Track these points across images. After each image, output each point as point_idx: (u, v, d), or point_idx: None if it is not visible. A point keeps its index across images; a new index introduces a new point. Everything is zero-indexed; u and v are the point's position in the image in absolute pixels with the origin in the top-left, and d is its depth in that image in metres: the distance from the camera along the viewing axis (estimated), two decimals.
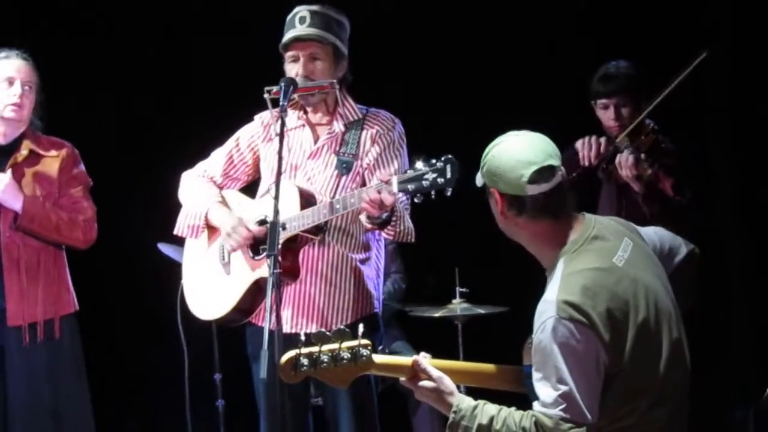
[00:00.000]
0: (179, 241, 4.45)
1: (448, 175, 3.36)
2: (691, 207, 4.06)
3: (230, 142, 4.03)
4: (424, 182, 3.38)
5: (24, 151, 4.34)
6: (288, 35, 3.82)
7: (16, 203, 4.24)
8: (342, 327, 2.93)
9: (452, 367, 3.01)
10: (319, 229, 3.73)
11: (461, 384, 3.05)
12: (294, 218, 3.68)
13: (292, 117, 3.90)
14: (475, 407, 2.84)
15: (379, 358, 2.97)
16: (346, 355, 2.90)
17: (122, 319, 5.55)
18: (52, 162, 4.39)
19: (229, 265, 3.91)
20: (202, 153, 4.11)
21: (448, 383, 2.91)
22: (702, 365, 3.02)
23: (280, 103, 3.62)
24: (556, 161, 2.88)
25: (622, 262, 2.85)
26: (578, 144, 4.25)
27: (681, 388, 2.88)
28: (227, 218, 3.86)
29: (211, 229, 3.97)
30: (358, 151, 3.85)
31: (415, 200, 3.43)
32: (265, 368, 3.12)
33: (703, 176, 4.25)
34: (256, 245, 3.78)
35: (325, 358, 2.89)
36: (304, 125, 3.92)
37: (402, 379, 2.99)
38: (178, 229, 4.01)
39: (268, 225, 3.39)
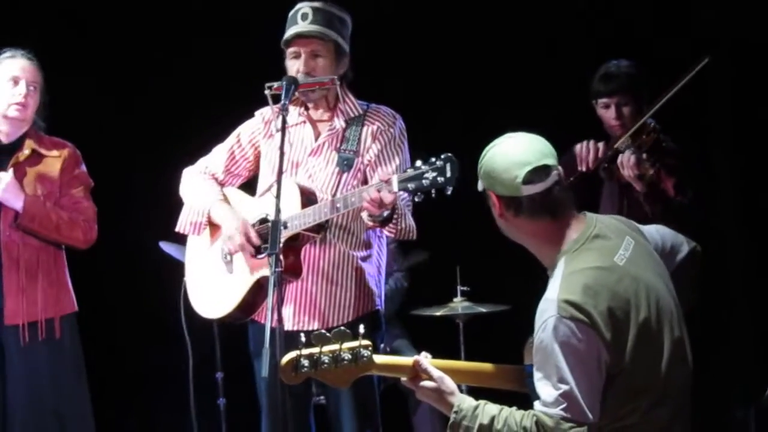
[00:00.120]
0: (181, 240, 4.46)
1: (448, 174, 3.36)
2: (692, 206, 4.06)
3: (231, 138, 4.03)
4: (424, 181, 3.38)
5: (26, 151, 4.35)
6: (290, 31, 3.82)
7: (17, 202, 4.24)
8: (342, 328, 2.93)
9: (453, 367, 3.01)
10: (320, 227, 3.74)
11: (462, 384, 3.05)
12: (295, 217, 3.68)
13: (293, 113, 3.90)
14: (477, 407, 2.84)
15: (379, 359, 2.97)
16: (346, 355, 2.90)
17: (124, 318, 5.55)
18: (53, 162, 4.40)
19: (231, 264, 3.91)
20: (203, 151, 4.11)
21: (449, 383, 2.91)
22: (703, 364, 3.02)
23: (282, 102, 3.62)
24: (551, 160, 2.89)
25: (623, 261, 2.85)
26: (576, 148, 4.25)
27: (683, 387, 2.87)
28: (230, 218, 3.86)
29: (213, 227, 3.97)
30: (359, 148, 3.85)
31: (416, 199, 3.44)
32: (267, 366, 3.13)
33: (704, 176, 4.25)
34: (259, 246, 3.78)
35: (325, 359, 2.89)
36: (305, 122, 3.92)
37: (403, 379, 2.99)
38: (180, 227, 4.01)
39: (269, 224, 3.39)
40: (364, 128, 3.87)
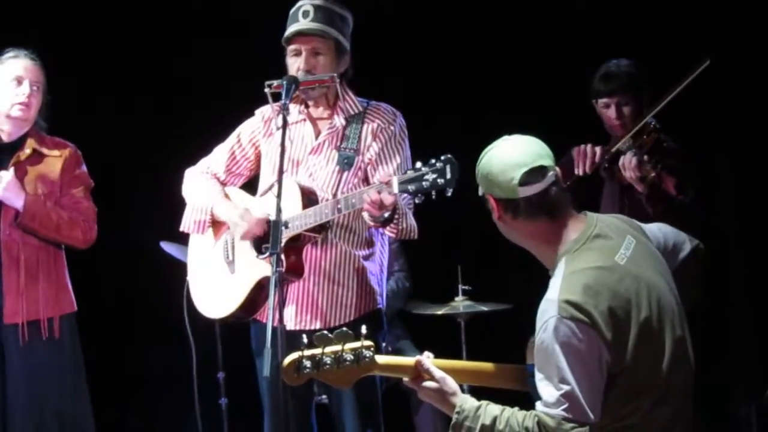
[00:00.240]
0: (181, 239, 4.46)
1: (448, 176, 3.37)
2: (693, 206, 4.06)
3: (231, 138, 4.04)
4: (424, 183, 3.39)
5: (27, 150, 4.35)
6: (291, 29, 3.83)
7: (17, 201, 4.25)
8: (345, 329, 2.93)
9: (455, 367, 3.01)
10: (322, 228, 3.74)
11: (464, 383, 3.05)
12: (297, 217, 3.68)
13: (293, 111, 3.90)
14: (478, 407, 2.84)
15: (381, 359, 2.97)
16: (348, 356, 2.90)
17: (125, 318, 5.55)
18: (54, 162, 4.40)
19: (233, 264, 3.92)
20: (203, 151, 4.11)
21: (451, 383, 2.91)
22: (705, 363, 3.01)
23: (283, 102, 3.63)
24: (547, 161, 2.89)
25: (624, 260, 2.84)
26: (574, 151, 4.25)
27: (684, 386, 2.87)
28: (233, 211, 3.87)
29: (216, 227, 3.98)
30: (359, 146, 3.85)
31: (416, 200, 3.45)
32: (269, 366, 3.13)
33: (704, 175, 4.25)
34: (260, 244, 3.78)
35: (328, 360, 2.89)
36: (305, 119, 3.92)
37: (405, 379, 2.99)
38: (184, 226, 4.01)
39: (271, 223, 3.40)
40: (365, 126, 3.87)
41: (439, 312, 5.03)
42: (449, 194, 3.38)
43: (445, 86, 5.41)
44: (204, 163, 4.07)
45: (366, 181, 3.85)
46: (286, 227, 3.55)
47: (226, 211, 3.89)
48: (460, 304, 5.04)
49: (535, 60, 5.26)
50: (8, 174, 4.24)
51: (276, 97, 3.76)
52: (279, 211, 3.36)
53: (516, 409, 2.83)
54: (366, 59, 3.97)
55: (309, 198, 3.75)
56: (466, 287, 5.06)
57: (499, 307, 5.01)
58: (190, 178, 4.06)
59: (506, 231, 2.96)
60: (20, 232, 4.28)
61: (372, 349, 2.93)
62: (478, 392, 3.02)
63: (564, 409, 2.73)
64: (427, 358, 2.97)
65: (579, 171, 4.21)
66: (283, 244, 3.49)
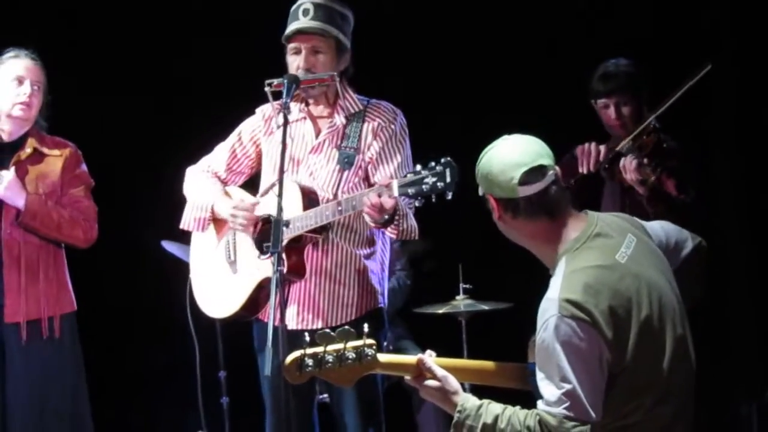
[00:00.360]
0: (183, 239, 4.47)
1: (448, 179, 3.38)
2: (695, 206, 4.06)
3: (232, 137, 4.04)
4: (424, 186, 3.40)
5: (28, 149, 4.35)
6: (291, 27, 3.83)
7: (19, 200, 4.25)
8: (347, 327, 2.93)
9: (457, 366, 3.01)
10: (323, 228, 3.74)
11: (466, 382, 3.05)
12: (298, 218, 3.69)
13: (294, 109, 3.90)
14: (480, 406, 2.84)
15: (383, 358, 2.97)
16: (351, 354, 2.91)
17: (126, 317, 5.55)
18: (55, 161, 4.40)
19: (235, 264, 3.92)
20: (204, 150, 4.12)
21: (453, 382, 2.91)
22: (706, 361, 3.01)
23: (284, 101, 3.63)
24: (546, 160, 2.89)
25: (624, 259, 2.84)
26: (578, 150, 4.24)
27: (685, 385, 2.87)
28: (231, 204, 3.87)
29: (218, 226, 3.98)
30: (359, 145, 3.85)
31: (416, 204, 3.46)
32: (270, 365, 3.13)
33: (705, 174, 4.25)
34: (261, 244, 3.79)
35: (330, 358, 2.90)
36: (305, 118, 3.92)
37: (407, 377, 2.99)
38: (184, 223, 4.02)
39: (272, 222, 3.40)
40: (365, 125, 3.87)
41: (440, 311, 5.03)
42: (449, 197, 3.39)
43: (446, 85, 5.41)
44: (205, 161, 4.07)
45: (366, 179, 3.86)
46: (287, 226, 3.56)
47: (227, 208, 3.89)
48: (461, 302, 5.04)
49: (535, 60, 5.26)
50: (9, 173, 4.24)
51: (276, 95, 3.76)
52: (280, 209, 3.36)
53: (518, 408, 2.83)
54: (366, 58, 3.97)
55: (309, 198, 3.75)
56: (467, 286, 5.06)
57: (499, 305, 5.02)
58: (191, 177, 4.07)
59: (506, 231, 2.96)
60: (21, 231, 4.28)
61: (374, 347, 2.93)
62: (480, 391, 3.03)
63: (565, 408, 2.73)
64: (429, 357, 2.98)
65: (583, 169, 4.21)
66: (284, 244, 3.49)
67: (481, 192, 2.96)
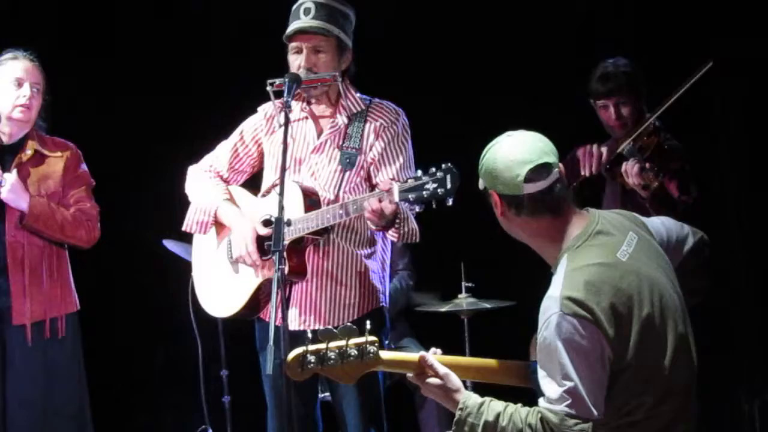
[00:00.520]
0: (184, 238, 4.47)
1: (448, 186, 3.38)
2: (696, 206, 4.06)
3: (234, 136, 4.04)
4: (424, 192, 3.40)
5: (29, 151, 4.36)
6: (292, 26, 3.83)
7: (22, 203, 4.25)
8: (349, 324, 2.93)
9: (459, 363, 3.01)
10: (324, 230, 3.75)
11: (468, 379, 3.05)
12: (299, 220, 3.69)
13: (296, 108, 3.91)
14: (482, 404, 2.85)
15: (386, 355, 2.97)
16: (353, 351, 2.91)
17: (128, 316, 5.56)
18: (56, 162, 4.41)
19: (237, 264, 3.92)
20: (206, 149, 4.12)
21: (455, 380, 2.91)
22: (708, 359, 3.01)
23: (285, 100, 3.63)
24: (551, 158, 2.88)
25: (626, 257, 2.84)
26: (579, 152, 4.25)
27: (687, 382, 2.87)
28: (238, 219, 3.87)
29: (219, 226, 3.99)
30: (361, 145, 3.85)
31: (417, 209, 3.46)
32: (271, 364, 3.13)
33: (706, 172, 4.25)
34: (263, 245, 3.79)
35: (332, 355, 2.90)
36: (307, 117, 3.93)
37: (409, 375, 2.99)
38: (187, 226, 4.02)
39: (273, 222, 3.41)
40: (367, 125, 3.87)
41: (443, 309, 5.03)
42: (449, 204, 3.40)
43: (446, 85, 5.41)
44: (207, 160, 4.07)
45: (368, 180, 3.86)
46: (289, 225, 3.56)
47: (232, 216, 3.89)
48: (464, 301, 5.03)
49: (536, 59, 5.25)
50: (12, 176, 4.25)
51: (278, 95, 3.76)
52: (281, 208, 3.37)
53: (519, 405, 2.83)
54: (367, 57, 3.97)
55: (310, 199, 3.76)
56: (469, 284, 5.06)
57: (501, 304, 5.01)
58: (193, 176, 4.07)
59: (509, 227, 2.96)
60: (25, 234, 4.29)
61: (376, 344, 2.93)
62: (482, 389, 3.03)
63: (567, 406, 2.73)
64: (433, 354, 2.98)
65: (585, 172, 4.21)
66: (286, 243, 3.49)
67: (482, 186, 2.95)
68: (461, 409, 2.86)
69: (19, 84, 4.30)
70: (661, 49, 4.84)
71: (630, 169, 4.08)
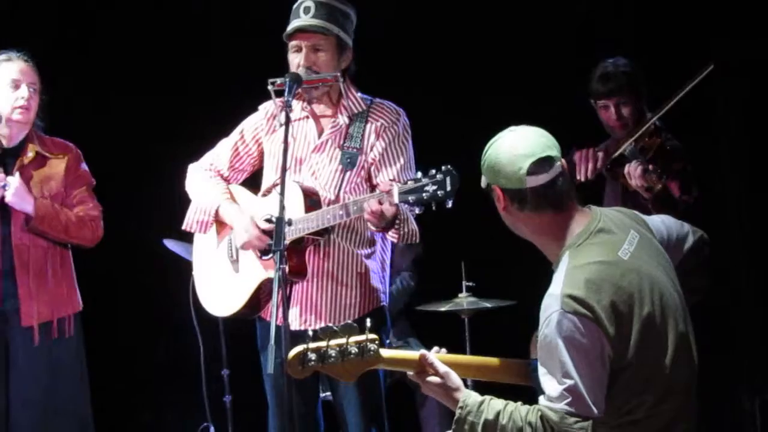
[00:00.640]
0: (184, 237, 4.47)
1: (448, 188, 3.38)
2: (697, 206, 4.06)
3: (235, 134, 4.04)
4: (424, 194, 3.41)
5: (30, 154, 4.36)
6: (291, 25, 3.83)
7: (27, 205, 4.26)
8: (349, 322, 2.93)
9: (459, 362, 3.01)
10: (325, 230, 3.75)
11: (469, 378, 3.05)
12: (300, 220, 3.69)
13: (296, 108, 3.91)
14: (482, 402, 2.85)
15: (386, 353, 2.97)
16: (353, 349, 2.91)
17: (129, 316, 5.56)
18: (58, 164, 4.41)
19: (237, 263, 3.93)
20: (206, 147, 4.12)
21: (455, 379, 2.92)
22: (709, 357, 3.02)
23: (285, 99, 3.63)
24: (554, 152, 2.89)
25: (627, 256, 2.84)
26: (576, 156, 4.24)
27: (688, 382, 2.87)
28: (239, 217, 3.87)
29: (220, 226, 3.99)
30: (362, 145, 3.85)
31: (417, 211, 3.46)
32: (272, 363, 3.14)
33: (706, 171, 4.25)
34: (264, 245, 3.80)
35: (332, 352, 2.90)
36: (308, 117, 3.92)
37: (409, 373, 2.99)
38: (187, 225, 4.02)
39: (274, 221, 3.41)
40: (368, 125, 3.87)
41: (443, 308, 5.03)
42: (449, 206, 3.40)
43: (446, 84, 5.41)
44: (207, 158, 4.07)
45: (368, 180, 3.86)
46: (290, 224, 3.56)
47: (233, 214, 3.90)
48: (464, 300, 5.04)
49: (536, 59, 5.25)
50: (15, 179, 4.25)
51: (279, 94, 3.76)
52: (282, 207, 3.37)
53: (519, 403, 2.83)
54: (367, 56, 3.97)
55: (311, 199, 3.76)
56: (470, 283, 5.06)
57: (502, 303, 5.01)
58: (193, 175, 4.07)
59: (512, 223, 2.96)
60: (29, 235, 4.29)
61: (376, 342, 2.94)
62: (482, 387, 3.03)
63: (567, 404, 2.74)
64: (435, 353, 2.98)
65: (581, 177, 4.20)
66: (286, 243, 3.50)
67: (484, 183, 2.95)
68: (461, 407, 2.86)
69: (16, 86, 4.30)
70: (661, 49, 4.84)
71: (633, 171, 4.08)
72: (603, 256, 2.82)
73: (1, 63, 4.32)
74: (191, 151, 4.17)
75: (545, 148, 2.87)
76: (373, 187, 3.84)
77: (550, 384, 2.77)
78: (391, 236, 3.73)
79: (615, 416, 2.78)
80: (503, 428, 2.80)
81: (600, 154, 4.21)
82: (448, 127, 5.23)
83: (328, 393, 4.11)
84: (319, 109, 3.93)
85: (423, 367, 2.95)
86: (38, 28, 5.36)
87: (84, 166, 4.48)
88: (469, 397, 2.87)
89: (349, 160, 3.82)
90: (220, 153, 4.04)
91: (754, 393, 4.51)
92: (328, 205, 3.76)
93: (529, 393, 2.92)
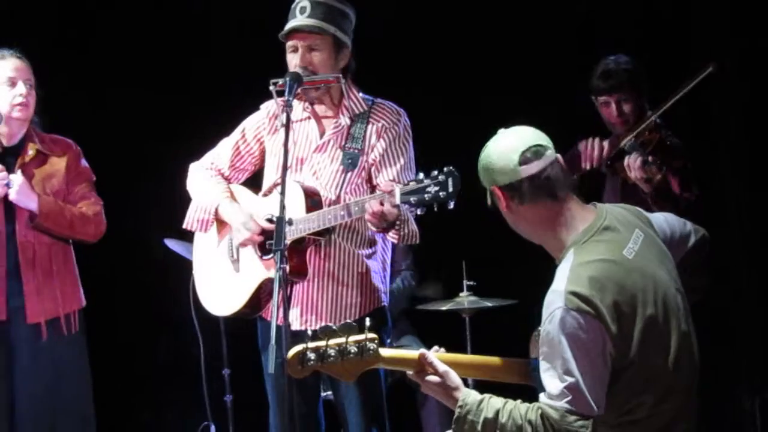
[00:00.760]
0: (185, 237, 4.47)
1: (450, 189, 3.38)
2: (698, 203, 4.06)
3: (236, 134, 4.04)
4: (426, 195, 3.41)
5: (31, 152, 4.36)
6: (287, 25, 3.82)
7: (31, 203, 4.26)
8: (349, 321, 2.94)
9: (459, 361, 3.02)
10: (326, 231, 3.75)
11: (469, 377, 3.05)
12: (300, 221, 3.69)
13: (298, 108, 3.91)
14: (481, 401, 2.85)
15: (385, 352, 2.98)
16: (353, 349, 2.91)
17: (130, 314, 5.56)
18: (58, 161, 4.42)
19: (238, 263, 3.93)
20: (207, 146, 4.12)
21: (454, 378, 2.92)
22: (710, 357, 3.02)
23: (286, 99, 3.63)
24: (544, 142, 2.91)
25: (632, 255, 2.85)
26: (581, 146, 4.25)
27: (689, 382, 2.87)
28: (238, 214, 3.87)
29: (220, 225, 3.99)
30: (363, 146, 3.85)
31: (418, 212, 3.46)
32: (273, 363, 3.14)
33: (707, 170, 4.25)
34: (264, 244, 3.79)
35: (332, 352, 2.91)
36: (309, 117, 3.92)
37: (409, 372, 3.00)
38: (187, 224, 4.02)
39: (275, 221, 3.41)
40: (369, 126, 3.87)
41: (444, 307, 5.03)
42: (450, 207, 3.40)
43: (447, 84, 5.41)
44: (209, 157, 4.07)
45: (369, 181, 3.86)
46: (291, 223, 3.56)
47: (232, 213, 3.90)
48: (465, 299, 5.04)
49: (536, 58, 5.25)
50: (18, 177, 4.25)
51: (281, 94, 3.75)
52: (283, 207, 3.37)
53: (518, 401, 2.83)
54: (367, 56, 3.97)
55: (312, 199, 3.76)
56: (471, 283, 5.06)
57: (503, 302, 5.01)
58: (194, 174, 4.07)
59: (515, 221, 2.96)
60: (34, 233, 4.29)
61: (376, 341, 2.94)
62: (483, 386, 3.03)
63: (568, 402, 2.74)
64: (435, 352, 2.98)
65: (587, 165, 4.22)
66: (287, 243, 3.50)
67: (486, 187, 2.96)
68: (461, 406, 2.87)
69: (13, 83, 4.29)
70: (660, 49, 4.84)
71: (633, 163, 4.09)
72: (608, 254, 2.82)
73: None
74: (192, 150, 4.17)
75: (535, 140, 2.90)
76: (373, 188, 3.84)
77: (551, 381, 2.77)
78: (392, 237, 3.73)
79: (615, 415, 2.78)
80: (503, 426, 2.80)
81: (605, 144, 4.23)
82: (448, 127, 5.23)
83: (330, 392, 4.12)
84: (321, 109, 3.93)
85: (422, 366, 2.95)
86: (39, 27, 5.36)
87: (84, 163, 4.49)
88: (469, 396, 2.87)
89: (350, 161, 3.82)
90: (221, 152, 4.04)
91: (754, 393, 4.52)
92: (329, 205, 3.76)
93: (530, 392, 2.92)
